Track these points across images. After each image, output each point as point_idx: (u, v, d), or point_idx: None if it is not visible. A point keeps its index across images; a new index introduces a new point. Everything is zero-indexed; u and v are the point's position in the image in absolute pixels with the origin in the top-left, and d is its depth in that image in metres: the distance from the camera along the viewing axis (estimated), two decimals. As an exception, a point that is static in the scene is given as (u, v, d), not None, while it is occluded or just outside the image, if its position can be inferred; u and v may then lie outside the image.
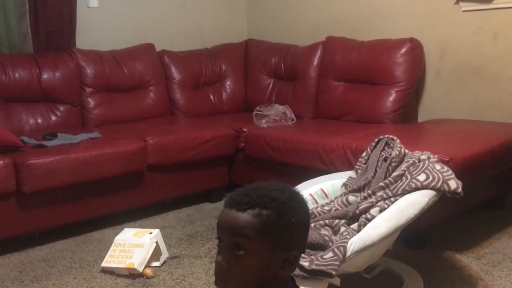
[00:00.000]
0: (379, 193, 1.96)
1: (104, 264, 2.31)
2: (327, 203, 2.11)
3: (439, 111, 3.30)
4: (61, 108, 3.28)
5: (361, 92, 3.34)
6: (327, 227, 1.95)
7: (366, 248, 1.68)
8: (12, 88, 3.10)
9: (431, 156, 2.03)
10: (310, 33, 3.88)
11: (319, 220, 1.97)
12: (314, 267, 1.62)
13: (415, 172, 1.93)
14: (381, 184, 1.98)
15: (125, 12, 3.78)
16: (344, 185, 2.18)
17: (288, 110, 3.47)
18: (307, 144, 2.84)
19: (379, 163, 2.09)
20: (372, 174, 2.07)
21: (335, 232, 1.92)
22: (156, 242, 2.36)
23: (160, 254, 2.38)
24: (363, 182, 2.07)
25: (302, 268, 1.61)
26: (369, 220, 1.84)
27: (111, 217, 2.89)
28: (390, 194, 1.92)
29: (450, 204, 2.22)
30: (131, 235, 2.40)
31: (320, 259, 1.64)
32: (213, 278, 1.05)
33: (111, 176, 2.76)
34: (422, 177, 1.89)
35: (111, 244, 2.39)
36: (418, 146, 2.28)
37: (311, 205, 2.09)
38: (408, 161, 2.00)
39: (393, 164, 2.04)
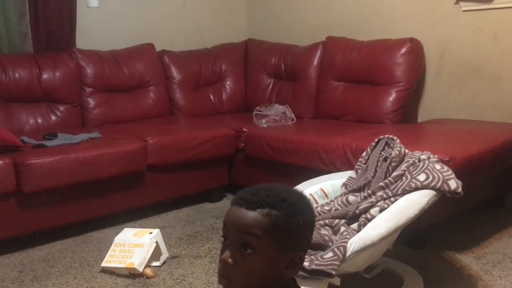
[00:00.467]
0: (379, 193, 1.95)
1: (104, 264, 2.31)
2: (327, 203, 2.11)
3: (439, 111, 3.30)
4: (61, 108, 3.28)
5: (361, 92, 3.34)
6: (327, 227, 1.95)
7: (366, 248, 1.68)
8: (12, 88, 3.10)
9: (431, 156, 2.03)
10: (310, 33, 3.88)
11: (319, 220, 1.97)
12: (314, 267, 1.62)
13: (415, 172, 1.92)
14: (381, 184, 1.98)
15: (125, 12, 3.78)
16: (344, 185, 2.18)
17: (288, 110, 3.47)
18: (307, 144, 2.84)
19: (379, 163, 2.09)
20: (372, 174, 2.07)
21: (335, 232, 1.92)
22: (156, 242, 2.36)
23: (160, 254, 2.38)
24: (363, 182, 2.06)
25: (302, 268, 1.61)
26: (369, 220, 1.84)
27: (111, 217, 2.89)
28: (390, 194, 1.92)
29: (450, 204, 2.22)
30: (131, 235, 2.40)
31: (320, 259, 1.64)
32: (214, 278, 1.05)
33: (111, 176, 2.76)
34: (422, 177, 1.89)
35: (111, 244, 2.39)
36: (418, 146, 2.28)
37: (311, 205, 2.09)
38: (408, 161, 2.00)
39: (393, 164, 2.04)
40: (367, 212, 1.91)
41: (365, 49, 3.37)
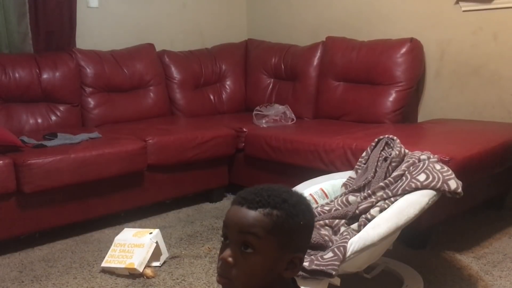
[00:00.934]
0: (379, 193, 1.95)
1: (104, 264, 2.31)
2: (327, 203, 2.11)
3: (439, 111, 3.30)
4: (61, 108, 3.28)
5: (361, 92, 3.34)
6: (327, 227, 1.95)
7: (366, 248, 1.68)
8: (12, 88, 3.10)
9: (431, 156, 2.03)
10: (310, 33, 3.88)
11: (319, 220, 1.97)
12: (314, 267, 1.62)
13: (415, 172, 1.92)
14: (381, 184, 1.98)
15: (125, 12, 3.78)
16: (344, 185, 2.18)
17: (288, 110, 3.47)
18: (307, 144, 2.84)
19: (379, 163, 2.09)
20: (372, 174, 2.07)
21: (335, 232, 1.92)
22: (156, 242, 2.35)
23: (160, 254, 2.38)
24: (363, 182, 2.06)
25: (302, 268, 1.61)
26: (369, 220, 1.84)
27: (111, 217, 2.89)
28: (390, 194, 1.92)
29: (450, 204, 2.21)
30: (131, 235, 2.40)
31: (320, 259, 1.64)
32: (214, 278, 1.05)
33: (111, 176, 2.76)
34: (422, 177, 1.89)
35: (111, 244, 2.39)
36: (418, 146, 2.28)
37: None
38: (408, 161, 2.00)
39: (393, 164, 2.04)
40: (367, 212, 1.91)
41: (365, 49, 3.37)
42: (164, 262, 2.39)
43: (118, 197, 2.87)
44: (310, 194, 2.14)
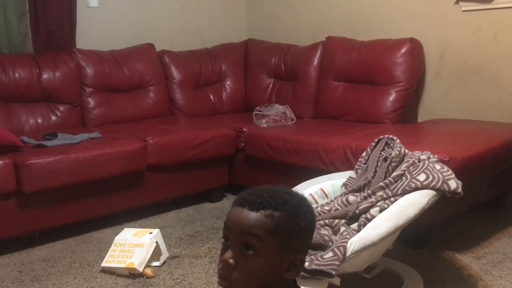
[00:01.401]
0: (379, 193, 1.95)
1: (104, 264, 2.31)
2: (327, 203, 2.11)
3: (439, 111, 3.30)
4: (61, 108, 3.28)
5: (361, 92, 3.34)
6: (327, 227, 1.95)
7: (366, 248, 1.68)
8: (12, 88, 3.10)
9: (431, 156, 2.03)
10: (310, 33, 3.88)
11: (319, 220, 1.97)
12: (314, 267, 1.62)
13: (415, 172, 1.92)
14: (381, 184, 1.98)
15: (125, 12, 3.79)
16: (344, 185, 2.18)
17: (288, 110, 3.47)
18: (307, 144, 2.84)
19: (379, 163, 2.09)
20: (372, 174, 2.07)
21: (335, 232, 1.92)
22: (156, 242, 2.35)
23: (160, 254, 2.38)
24: (363, 182, 2.06)
25: (302, 268, 1.61)
26: (369, 220, 1.84)
27: (111, 217, 2.89)
28: (390, 194, 1.92)
29: (450, 204, 2.22)
30: (131, 235, 2.40)
31: (320, 259, 1.64)
32: (214, 278, 1.05)
33: (111, 176, 2.76)
34: (422, 177, 1.89)
35: (111, 244, 2.39)
36: (418, 146, 2.28)
37: (311, 205, 2.09)
38: (408, 161, 2.00)
39: (393, 164, 2.04)
40: (367, 212, 1.91)
41: (365, 49, 3.37)
42: (164, 262, 2.39)
43: (118, 197, 2.87)
44: (310, 194, 2.14)
